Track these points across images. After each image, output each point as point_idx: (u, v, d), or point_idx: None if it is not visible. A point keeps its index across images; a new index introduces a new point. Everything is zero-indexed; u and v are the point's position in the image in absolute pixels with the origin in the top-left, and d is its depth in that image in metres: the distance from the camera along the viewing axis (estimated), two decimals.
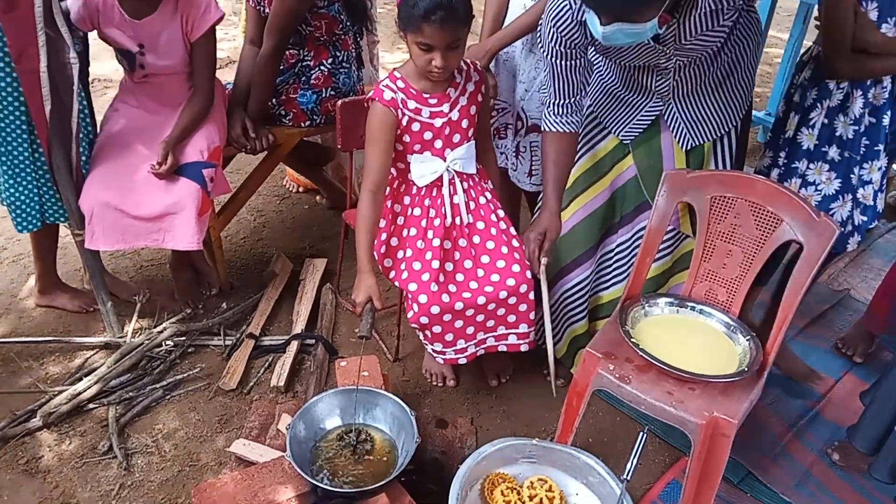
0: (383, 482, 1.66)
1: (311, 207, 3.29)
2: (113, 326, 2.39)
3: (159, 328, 2.39)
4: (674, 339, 1.89)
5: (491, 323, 2.08)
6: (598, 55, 1.98)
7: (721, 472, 1.74)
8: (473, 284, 2.01)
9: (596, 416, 2.25)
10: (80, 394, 2.14)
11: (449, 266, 2.04)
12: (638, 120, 2.00)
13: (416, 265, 2.03)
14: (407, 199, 2.10)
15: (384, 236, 2.12)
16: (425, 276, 2.00)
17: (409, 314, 2.04)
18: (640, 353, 1.77)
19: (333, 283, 2.70)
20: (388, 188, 2.12)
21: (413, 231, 2.07)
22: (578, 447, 2.09)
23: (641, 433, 1.78)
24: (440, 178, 2.05)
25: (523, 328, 2.11)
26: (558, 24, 1.77)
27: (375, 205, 1.97)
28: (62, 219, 2.28)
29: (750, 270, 1.90)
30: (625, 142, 2.04)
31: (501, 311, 2.06)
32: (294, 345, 2.38)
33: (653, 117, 1.99)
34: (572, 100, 1.92)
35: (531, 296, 2.06)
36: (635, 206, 2.09)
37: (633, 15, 1.52)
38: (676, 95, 1.94)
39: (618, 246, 2.15)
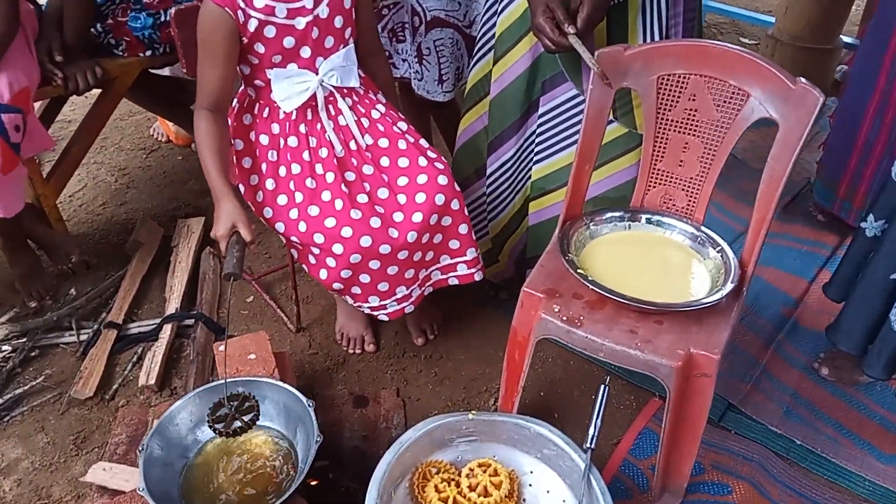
0: (279, 502, 1.25)
1: (185, 158, 2.75)
2: None
3: None
4: (629, 263, 1.52)
5: (430, 255, 1.69)
6: None
7: (704, 420, 1.40)
8: (398, 216, 1.59)
9: (545, 361, 1.88)
10: None
11: (362, 198, 1.59)
12: None
13: (314, 210, 1.58)
14: (276, 128, 1.61)
15: (255, 179, 1.64)
16: (330, 222, 1.56)
17: (322, 275, 1.61)
18: (591, 286, 1.38)
19: (215, 247, 2.21)
20: (249, 115, 1.64)
21: (296, 168, 1.61)
22: (528, 407, 1.74)
23: (602, 386, 1.42)
24: (314, 98, 1.58)
25: (471, 253, 1.72)
26: None
27: (216, 123, 1.53)
28: None
29: (713, 165, 1.51)
30: None
31: (439, 238, 1.67)
32: (167, 329, 1.91)
33: None
34: None
35: (466, 212, 1.68)
36: (552, 74, 1.69)
37: None
38: None
39: (539, 118, 1.77)
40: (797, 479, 1.59)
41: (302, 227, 1.59)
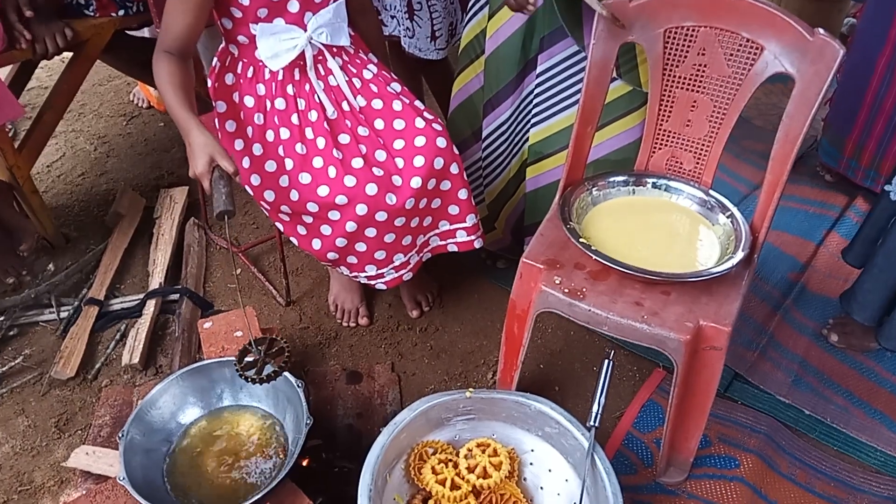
0: (265, 489, 1.19)
1: (167, 124, 2.64)
2: None
3: None
4: (634, 230, 1.44)
5: (429, 221, 1.62)
6: None
7: (713, 394, 1.34)
8: (397, 180, 1.50)
9: (545, 332, 1.81)
10: None
11: (357, 163, 1.50)
12: None
13: (305, 178, 1.50)
14: (261, 89, 1.51)
15: (240, 144, 1.54)
16: (323, 191, 1.48)
17: (315, 245, 1.54)
18: (594, 256, 1.30)
19: (200, 217, 2.12)
20: (231, 75, 1.53)
21: (284, 133, 1.51)
22: (528, 380, 1.68)
23: (606, 361, 1.35)
24: (302, 56, 1.48)
25: (471, 220, 1.64)
26: None
27: (179, 64, 1.39)
28: None
29: (723, 125, 1.43)
30: None
31: (437, 203, 1.60)
32: (151, 305, 1.83)
33: None
34: None
35: (465, 176, 1.60)
36: (551, 31, 1.59)
37: None
38: None
39: (537, 77, 1.67)
40: (807, 451, 1.54)
41: (294, 195, 1.50)
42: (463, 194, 1.61)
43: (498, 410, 1.36)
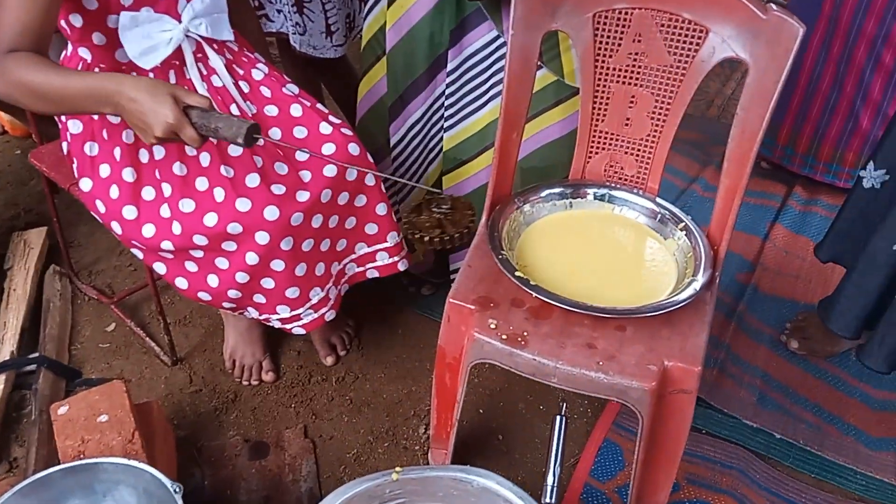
0: None
1: (24, 151, 2.24)
2: None
3: None
4: (577, 252, 1.24)
5: (343, 244, 1.39)
6: None
7: (683, 442, 1.15)
8: (303, 195, 1.25)
9: (482, 369, 1.58)
10: None
11: (253, 180, 1.23)
12: None
13: (188, 205, 1.22)
14: None
15: (106, 170, 1.25)
16: (211, 219, 1.21)
17: (212, 283, 1.29)
18: (534, 294, 1.08)
19: (62, 263, 1.77)
20: None
21: (159, 151, 1.23)
22: (466, 430, 1.45)
23: (558, 416, 1.12)
24: (178, 54, 1.21)
25: (393, 238, 1.42)
26: None
27: (39, 56, 1.04)
28: None
29: (668, 122, 1.23)
30: None
31: (352, 223, 1.38)
32: (1, 381, 1.49)
33: None
34: None
35: (383, 188, 1.39)
36: (462, 18, 1.38)
37: None
38: None
39: (448, 75, 1.43)
40: (783, 483, 1.37)
41: (176, 228, 1.23)
42: (382, 209, 1.38)
43: (434, 490, 1.11)
